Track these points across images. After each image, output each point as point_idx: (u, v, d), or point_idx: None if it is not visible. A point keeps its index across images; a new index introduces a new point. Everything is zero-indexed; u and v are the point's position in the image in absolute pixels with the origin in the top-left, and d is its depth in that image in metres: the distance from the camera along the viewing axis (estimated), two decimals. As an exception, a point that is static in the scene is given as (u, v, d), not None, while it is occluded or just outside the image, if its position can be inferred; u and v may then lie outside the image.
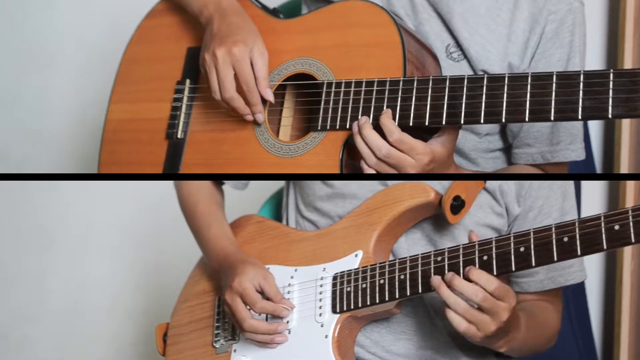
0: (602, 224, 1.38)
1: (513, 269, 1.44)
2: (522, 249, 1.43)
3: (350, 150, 1.56)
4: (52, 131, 2.75)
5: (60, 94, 2.73)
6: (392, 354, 1.61)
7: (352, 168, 1.57)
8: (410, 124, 1.50)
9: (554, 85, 1.42)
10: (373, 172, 1.52)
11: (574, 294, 2.42)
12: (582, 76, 1.40)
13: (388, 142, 1.50)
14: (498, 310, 1.44)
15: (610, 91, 1.38)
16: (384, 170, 1.51)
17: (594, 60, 2.51)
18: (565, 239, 1.40)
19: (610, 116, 1.38)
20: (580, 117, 1.40)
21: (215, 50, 1.60)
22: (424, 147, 1.49)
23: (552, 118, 1.42)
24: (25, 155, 2.74)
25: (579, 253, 1.40)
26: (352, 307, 1.55)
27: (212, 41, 1.62)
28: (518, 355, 1.65)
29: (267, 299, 1.59)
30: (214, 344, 1.67)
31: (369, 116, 1.53)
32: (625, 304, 2.43)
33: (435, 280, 1.47)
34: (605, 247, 1.38)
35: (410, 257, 1.52)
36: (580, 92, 1.40)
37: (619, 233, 1.37)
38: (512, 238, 1.45)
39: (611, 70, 1.39)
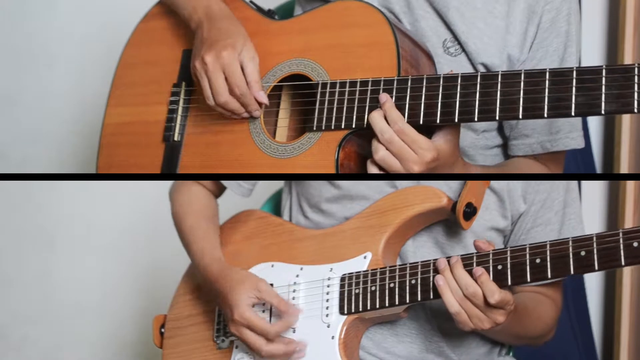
0: (621, 240, 1.36)
1: (528, 280, 1.43)
2: (537, 261, 1.42)
3: (346, 151, 1.56)
4: (52, 131, 2.74)
5: (60, 94, 2.73)
6: (393, 355, 1.61)
7: (348, 168, 1.57)
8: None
9: (547, 82, 1.42)
10: (376, 170, 1.51)
11: (574, 294, 2.42)
12: (574, 72, 1.40)
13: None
14: (496, 316, 1.45)
15: (603, 87, 1.38)
16: (389, 161, 1.50)
17: (594, 61, 2.51)
18: (583, 253, 1.39)
19: (603, 112, 1.38)
20: (573, 113, 1.40)
21: (205, 57, 1.60)
22: (428, 143, 1.49)
23: (545, 115, 1.42)
24: (25, 155, 2.74)
25: (596, 268, 1.39)
26: (360, 309, 1.55)
27: (201, 47, 1.62)
28: (505, 340, 1.66)
29: (269, 306, 1.59)
30: (215, 339, 1.66)
31: (363, 116, 1.53)
32: (625, 304, 2.42)
33: (442, 262, 1.47)
34: (623, 263, 1.36)
35: (422, 262, 1.52)
36: (573, 88, 1.40)
37: (637, 250, 1.35)
38: (527, 249, 1.44)
39: (603, 66, 1.39)
